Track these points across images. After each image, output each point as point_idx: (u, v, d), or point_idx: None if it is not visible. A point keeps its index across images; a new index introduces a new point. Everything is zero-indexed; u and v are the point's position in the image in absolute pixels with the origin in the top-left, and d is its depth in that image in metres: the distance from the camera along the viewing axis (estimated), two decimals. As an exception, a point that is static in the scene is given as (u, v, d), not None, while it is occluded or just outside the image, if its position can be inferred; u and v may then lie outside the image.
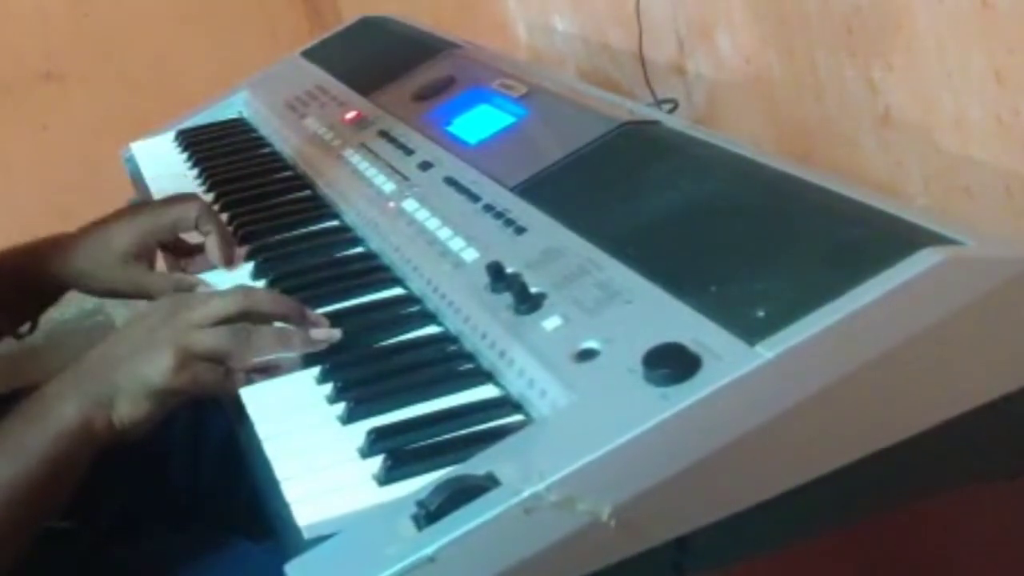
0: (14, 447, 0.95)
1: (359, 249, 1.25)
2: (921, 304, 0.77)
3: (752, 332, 0.78)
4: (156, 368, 0.96)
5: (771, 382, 0.76)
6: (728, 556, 0.80)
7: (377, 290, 1.14)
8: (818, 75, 1.46)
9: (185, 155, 1.68)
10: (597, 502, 0.73)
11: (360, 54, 1.80)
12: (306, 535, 0.80)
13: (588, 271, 0.95)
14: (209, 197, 1.46)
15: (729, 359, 0.77)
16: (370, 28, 1.90)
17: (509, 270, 0.99)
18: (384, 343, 1.04)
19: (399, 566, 0.72)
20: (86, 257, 1.26)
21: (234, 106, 1.83)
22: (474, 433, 0.87)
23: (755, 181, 1.00)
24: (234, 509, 1.11)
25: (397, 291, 1.13)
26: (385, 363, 1.01)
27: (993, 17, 1.17)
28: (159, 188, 1.54)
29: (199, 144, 1.71)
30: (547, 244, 1.01)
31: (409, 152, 1.33)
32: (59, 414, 0.95)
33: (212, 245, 1.25)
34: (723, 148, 1.08)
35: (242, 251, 1.29)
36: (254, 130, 1.72)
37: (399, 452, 0.86)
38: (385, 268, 1.18)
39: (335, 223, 1.33)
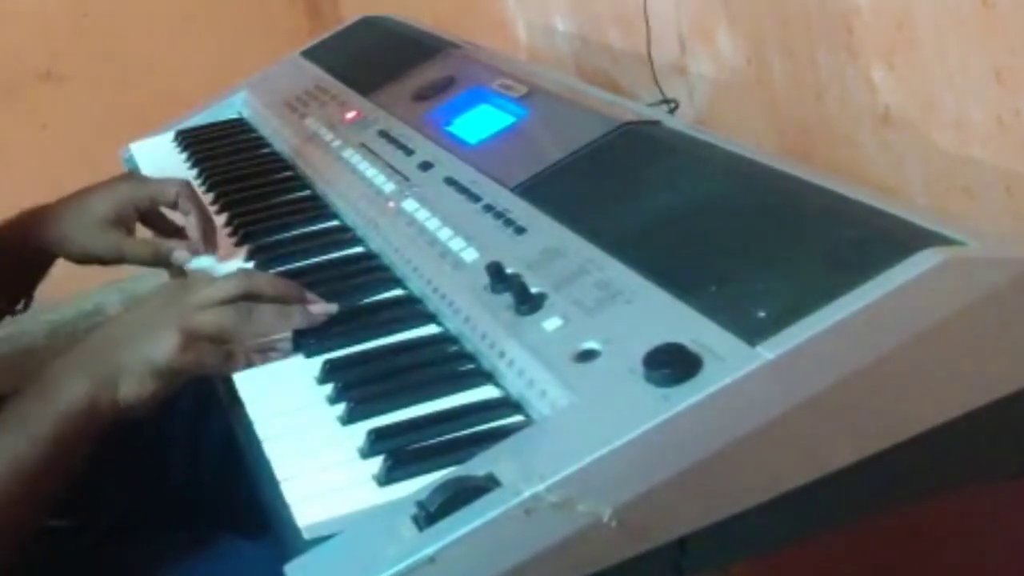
0: (19, 425, 0.96)
1: (359, 249, 1.25)
2: (921, 304, 0.77)
3: (753, 332, 0.78)
4: (161, 348, 0.98)
5: (772, 383, 0.76)
6: (728, 557, 0.80)
7: (377, 290, 1.14)
8: (818, 75, 1.46)
9: (185, 155, 1.68)
10: (597, 503, 0.73)
11: (360, 54, 1.80)
12: (306, 536, 0.80)
13: (588, 271, 0.95)
14: (209, 197, 1.47)
15: (730, 359, 0.77)
16: (370, 28, 1.90)
17: (509, 270, 0.99)
18: (384, 343, 1.04)
19: (399, 567, 0.72)
20: (67, 223, 1.28)
21: (234, 106, 1.83)
22: (474, 434, 0.87)
23: (755, 181, 1.00)
24: (234, 509, 1.11)
25: (397, 291, 1.13)
26: (385, 364, 1.01)
27: (993, 17, 1.17)
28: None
29: (199, 144, 1.71)
30: (547, 244, 1.01)
31: (409, 152, 1.33)
32: (64, 393, 0.97)
33: (191, 225, 1.28)
34: (724, 148, 1.08)
35: (240, 249, 1.30)
36: (254, 130, 1.72)
37: (399, 453, 0.86)
38: (385, 268, 1.18)
39: (335, 223, 1.33)
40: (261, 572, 0.87)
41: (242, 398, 0.99)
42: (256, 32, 2.85)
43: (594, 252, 0.97)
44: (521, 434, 0.83)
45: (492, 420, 0.88)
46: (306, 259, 1.25)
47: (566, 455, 0.75)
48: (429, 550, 0.72)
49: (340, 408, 0.94)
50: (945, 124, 1.28)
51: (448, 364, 0.98)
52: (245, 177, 1.53)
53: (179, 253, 1.26)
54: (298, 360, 1.03)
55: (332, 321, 1.07)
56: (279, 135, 1.63)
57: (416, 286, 1.11)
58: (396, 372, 0.99)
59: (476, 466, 0.78)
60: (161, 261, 1.27)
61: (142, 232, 1.33)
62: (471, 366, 0.97)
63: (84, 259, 1.31)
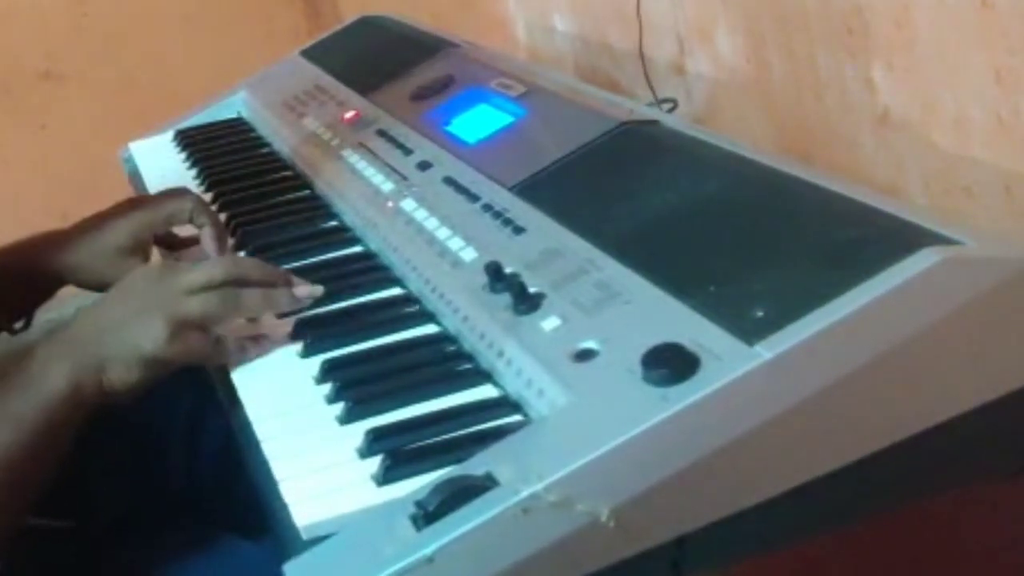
0: (3, 411, 0.95)
1: (358, 248, 1.25)
2: (921, 304, 0.77)
3: (751, 332, 0.78)
4: (149, 337, 0.97)
5: (770, 382, 0.75)
6: (727, 556, 0.80)
7: (375, 290, 1.14)
8: (818, 75, 1.46)
9: (184, 155, 1.68)
10: (596, 502, 0.73)
11: (359, 53, 1.80)
12: (305, 535, 0.80)
13: (587, 271, 0.94)
14: (208, 197, 1.46)
15: (728, 359, 0.77)
16: (369, 27, 1.90)
17: (508, 270, 0.99)
18: (382, 343, 1.04)
19: (397, 566, 0.72)
20: (81, 251, 1.27)
21: (233, 106, 1.83)
22: (472, 433, 0.87)
23: (754, 181, 1.00)
24: (232, 509, 1.11)
25: (395, 291, 1.13)
26: (383, 363, 1.01)
27: (993, 17, 1.17)
28: (158, 188, 1.53)
29: (198, 144, 1.71)
30: (546, 244, 1.01)
31: (408, 152, 1.33)
32: (49, 379, 0.96)
33: (207, 237, 1.27)
34: (723, 148, 1.07)
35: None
36: (253, 130, 1.72)
37: (398, 452, 0.86)
38: (383, 268, 1.18)
39: (334, 223, 1.33)
40: (260, 572, 0.87)
41: (240, 398, 0.99)
42: (255, 32, 2.85)
43: (593, 252, 0.97)
44: (519, 434, 0.83)
45: (490, 420, 0.88)
46: (305, 259, 1.24)
47: (564, 454, 0.75)
48: (427, 550, 0.72)
49: (338, 408, 0.94)
50: (945, 124, 1.28)
51: (446, 364, 0.98)
52: (244, 177, 1.53)
53: None
54: (296, 360, 1.03)
55: (331, 321, 1.07)
56: (278, 135, 1.63)
57: (415, 285, 1.11)
58: (394, 372, 0.99)
59: (474, 466, 0.78)
60: None
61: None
62: (469, 366, 0.96)
63: (100, 288, 1.30)
